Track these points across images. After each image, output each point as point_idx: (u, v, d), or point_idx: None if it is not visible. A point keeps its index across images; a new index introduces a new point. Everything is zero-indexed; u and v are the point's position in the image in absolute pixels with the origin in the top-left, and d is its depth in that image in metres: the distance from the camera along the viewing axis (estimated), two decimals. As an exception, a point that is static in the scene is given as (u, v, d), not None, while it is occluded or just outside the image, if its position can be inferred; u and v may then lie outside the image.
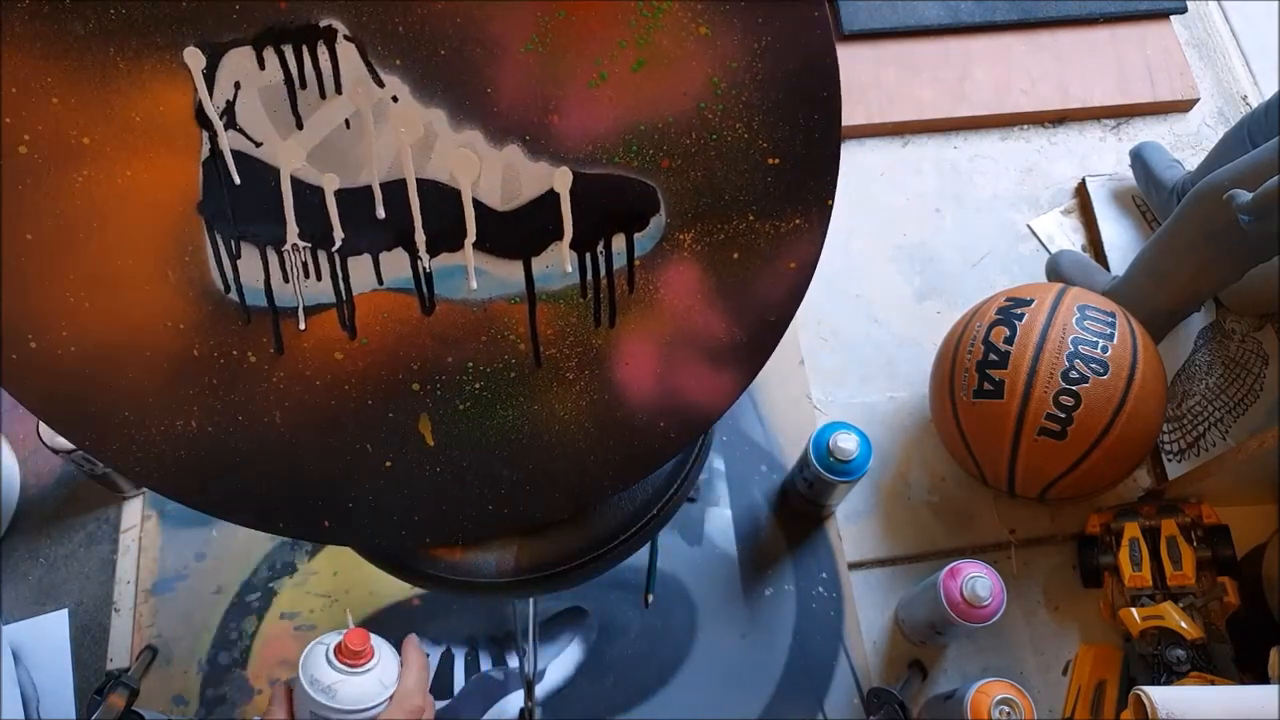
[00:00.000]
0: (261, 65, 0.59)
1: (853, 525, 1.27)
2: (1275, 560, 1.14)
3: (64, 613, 1.17)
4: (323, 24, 0.59)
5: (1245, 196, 1.04)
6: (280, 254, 0.64)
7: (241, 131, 0.61)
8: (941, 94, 1.55)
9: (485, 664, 1.16)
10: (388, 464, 0.71)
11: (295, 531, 0.74)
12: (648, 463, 0.74)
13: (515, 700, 1.14)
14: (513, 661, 1.16)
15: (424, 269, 0.66)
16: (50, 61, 0.58)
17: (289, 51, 0.59)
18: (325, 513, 0.72)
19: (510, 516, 0.74)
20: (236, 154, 0.61)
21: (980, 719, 0.98)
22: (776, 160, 0.65)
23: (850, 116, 1.52)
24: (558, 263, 0.66)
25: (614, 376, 0.70)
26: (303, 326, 0.66)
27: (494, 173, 0.63)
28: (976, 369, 1.15)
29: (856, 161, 1.53)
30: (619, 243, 0.66)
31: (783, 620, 1.20)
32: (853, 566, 1.24)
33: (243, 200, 0.62)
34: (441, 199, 0.64)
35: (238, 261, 0.64)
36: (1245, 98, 1.62)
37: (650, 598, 1.18)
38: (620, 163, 0.64)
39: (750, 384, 0.73)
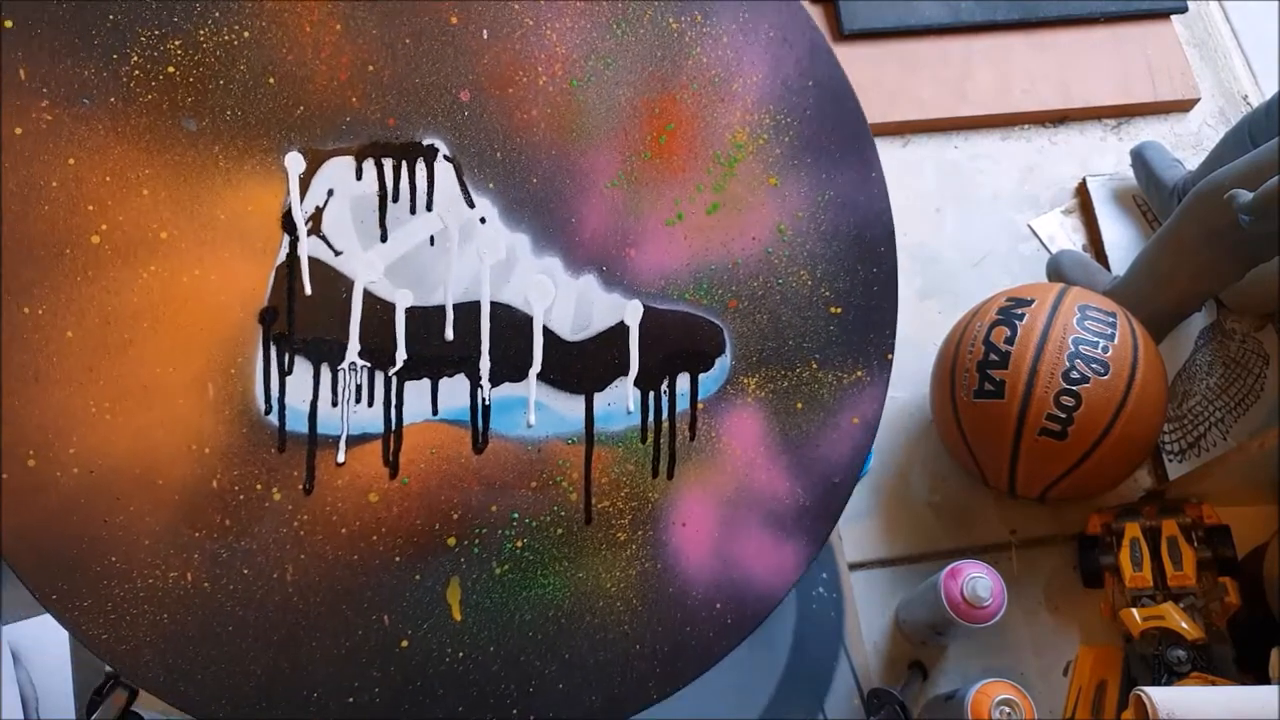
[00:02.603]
0: (359, 176, 0.61)
1: (853, 525, 1.26)
2: (1276, 560, 1.14)
3: (64, 613, 1.17)
4: (426, 143, 0.61)
5: (1246, 196, 1.04)
6: (335, 372, 0.62)
7: (324, 239, 0.61)
8: (942, 94, 1.54)
9: (485, 664, 1.16)
10: (404, 643, 0.64)
11: None
12: (698, 659, 0.68)
13: (515, 700, 1.14)
14: (513, 662, 1.16)
15: (484, 399, 0.64)
16: (153, 154, 0.58)
17: (388, 165, 0.61)
18: (317, 714, 0.63)
19: None
20: (313, 262, 0.61)
21: (981, 719, 0.97)
22: (838, 310, 0.68)
23: (851, 116, 1.52)
24: (620, 400, 0.65)
25: (669, 540, 0.67)
26: (341, 459, 0.63)
27: (568, 301, 0.64)
28: (977, 369, 1.15)
29: (857, 161, 1.52)
30: (683, 384, 0.66)
31: (783, 620, 1.20)
32: (853, 567, 1.24)
33: (309, 310, 0.61)
34: (512, 324, 0.64)
35: (287, 378, 0.61)
36: (1246, 97, 1.62)
37: (650, 598, 1.18)
38: (690, 300, 0.66)
39: (812, 561, 0.69)
